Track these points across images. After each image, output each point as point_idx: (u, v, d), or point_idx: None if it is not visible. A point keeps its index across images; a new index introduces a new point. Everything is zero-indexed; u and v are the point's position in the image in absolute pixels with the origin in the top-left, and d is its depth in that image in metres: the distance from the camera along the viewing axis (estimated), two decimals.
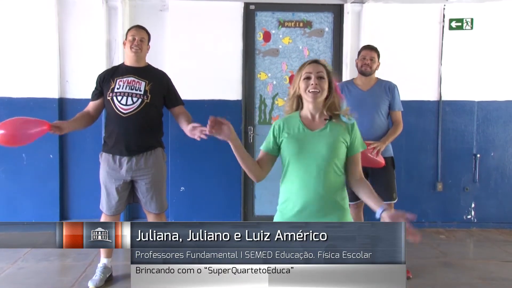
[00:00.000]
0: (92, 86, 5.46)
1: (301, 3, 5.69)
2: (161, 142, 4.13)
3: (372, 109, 4.35)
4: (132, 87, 3.97)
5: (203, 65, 5.55)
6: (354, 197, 4.44)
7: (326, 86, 2.69)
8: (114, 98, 3.96)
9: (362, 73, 4.44)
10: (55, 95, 5.47)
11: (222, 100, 5.64)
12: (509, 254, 5.06)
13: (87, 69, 5.48)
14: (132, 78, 4.00)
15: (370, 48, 4.51)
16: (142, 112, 3.94)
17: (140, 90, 3.96)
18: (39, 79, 5.46)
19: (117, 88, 3.97)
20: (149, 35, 4.16)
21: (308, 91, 2.66)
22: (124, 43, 4.14)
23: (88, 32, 5.49)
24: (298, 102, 2.78)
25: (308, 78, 2.68)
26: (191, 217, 5.69)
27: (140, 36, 4.06)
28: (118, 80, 4.00)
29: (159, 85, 4.04)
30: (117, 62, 5.44)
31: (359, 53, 4.54)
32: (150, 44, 4.19)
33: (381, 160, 4.25)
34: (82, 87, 5.49)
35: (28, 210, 5.50)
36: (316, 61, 2.75)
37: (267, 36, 5.75)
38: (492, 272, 4.54)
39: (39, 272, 4.41)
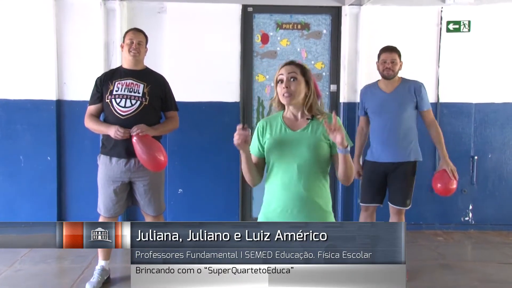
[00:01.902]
0: (90, 88, 5.45)
1: (299, 5, 5.71)
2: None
3: (396, 111, 4.25)
4: (131, 90, 3.98)
5: (201, 67, 5.55)
6: (368, 199, 4.40)
7: (300, 87, 2.64)
8: (113, 100, 3.97)
9: (384, 77, 4.32)
10: (52, 97, 5.46)
11: (220, 102, 5.64)
12: (507, 256, 5.06)
13: (85, 71, 5.46)
14: (131, 81, 4.01)
15: (390, 49, 4.36)
16: (140, 114, 3.95)
17: (139, 93, 3.98)
18: (37, 81, 5.44)
19: (116, 91, 3.99)
20: (146, 37, 4.18)
21: (282, 95, 2.64)
22: (121, 46, 4.15)
23: (86, 34, 5.48)
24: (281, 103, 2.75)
25: (281, 81, 2.66)
26: (189, 219, 5.66)
27: (138, 39, 4.07)
28: (116, 83, 4.01)
29: (157, 88, 4.06)
30: (115, 64, 5.43)
31: (378, 56, 4.41)
32: (147, 46, 4.21)
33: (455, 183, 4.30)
34: (80, 89, 5.45)
35: (26, 212, 5.48)
36: (290, 63, 2.71)
37: (265, 38, 5.75)
38: (491, 274, 4.54)
39: (37, 275, 4.40)
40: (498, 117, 5.87)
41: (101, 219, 4.13)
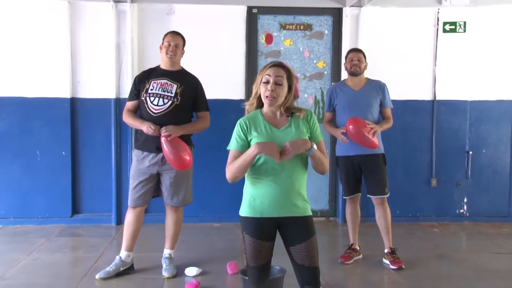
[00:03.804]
0: (102, 86, 5.64)
1: (302, 6, 5.88)
2: (189, 141, 4.34)
3: (365, 107, 4.52)
4: (164, 89, 4.19)
5: (208, 66, 5.66)
6: (349, 192, 4.67)
7: (283, 91, 2.75)
8: (148, 98, 4.19)
9: (352, 74, 4.61)
10: (67, 95, 5.66)
11: (226, 100, 5.80)
12: (500, 247, 5.19)
13: (97, 70, 5.69)
14: (165, 81, 4.22)
15: (355, 50, 4.75)
16: (171, 113, 4.16)
17: (171, 93, 4.19)
18: (52, 79, 5.65)
19: (151, 89, 4.20)
20: (184, 40, 4.37)
21: (266, 96, 2.75)
22: (160, 48, 4.34)
23: (98, 35, 5.68)
24: (260, 101, 2.85)
25: (267, 82, 2.76)
26: (196, 212, 5.80)
27: (175, 42, 4.27)
28: (152, 82, 4.22)
29: (189, 89, 4.26)
30: (126, 63, 5.67)
31: (346, 56, 4.72)
32: (185, 49, 4.39)
33: (375, 141, 4.41)
34: (93, 87, 5.70)
35: (41, 205, 5.70)
36: (278, 65, 2.79)
37: (269, 39, 5.93)
38: (484, 264, 4.66)
39: (53, 263, 4.57)
40: (492, 114, 6.02)
41: (128, 210, 4.33)
